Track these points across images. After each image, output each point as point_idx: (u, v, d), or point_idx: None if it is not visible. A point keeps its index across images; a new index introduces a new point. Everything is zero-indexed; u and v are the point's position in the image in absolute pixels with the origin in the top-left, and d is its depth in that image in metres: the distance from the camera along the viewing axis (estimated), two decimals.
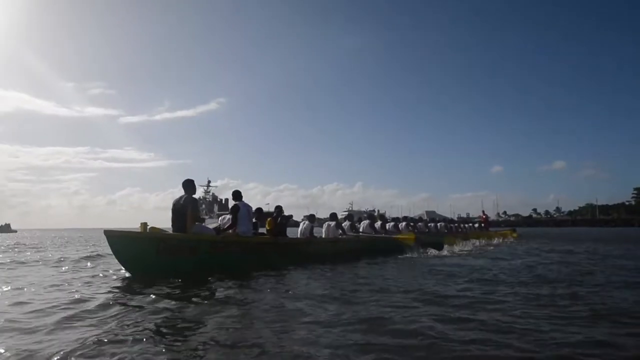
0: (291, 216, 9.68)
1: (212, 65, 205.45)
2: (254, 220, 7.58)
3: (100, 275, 6.13)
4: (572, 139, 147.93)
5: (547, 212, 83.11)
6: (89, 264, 8.00)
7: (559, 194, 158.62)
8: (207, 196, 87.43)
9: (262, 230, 8.28)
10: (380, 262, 7.86)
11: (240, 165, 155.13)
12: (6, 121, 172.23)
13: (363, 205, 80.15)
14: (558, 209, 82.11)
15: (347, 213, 16.01)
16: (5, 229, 50.22)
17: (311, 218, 10.63)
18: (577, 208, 78.86)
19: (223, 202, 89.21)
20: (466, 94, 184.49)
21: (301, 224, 10.50)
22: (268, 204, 73.83)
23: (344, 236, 10.13)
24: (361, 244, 10.00)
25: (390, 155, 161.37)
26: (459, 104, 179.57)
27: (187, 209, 6.25)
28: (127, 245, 5.74)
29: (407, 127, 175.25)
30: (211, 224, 8.11)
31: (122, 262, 5.87)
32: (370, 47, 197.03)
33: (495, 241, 16.68)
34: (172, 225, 6.35)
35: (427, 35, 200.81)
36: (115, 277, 5.91)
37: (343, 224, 10.88)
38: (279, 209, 8.46)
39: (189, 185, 6.43)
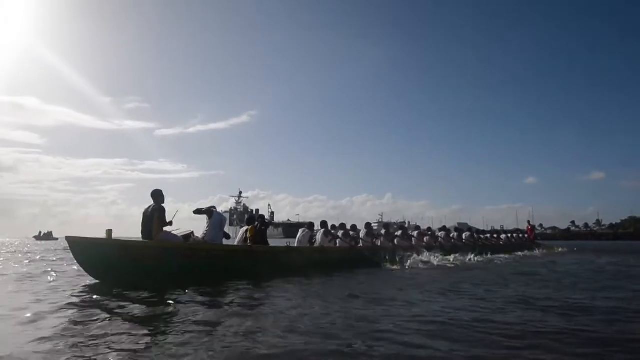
0: (269, 224, 9.70)
1: (244, 78, 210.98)
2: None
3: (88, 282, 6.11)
4: (611, 148, 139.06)
5: (586, 225, 78.89)
6: None
7: (599, 206, 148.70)
8: (239, 207, 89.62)
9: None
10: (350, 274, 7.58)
11: (271, 176, 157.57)
12: (51, 134, 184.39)
13: (393, 216, 78.92)
14: (598, 222, 77.89)
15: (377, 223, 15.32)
16: (48, 236, 53.23)
17: (310, 226, 10.62)
18: (619, 221, 74.76)
19: (254, 212, 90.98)
20: (497, 104, 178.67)
21: (300, 232, 10.52)
22: (298, 215, 74.70)
23: (333, 245, 9.95)
24: (343, 254, 9.60)
25: (420, 167, 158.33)
26: (490, 115, 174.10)
27: (154, 217, 6.46)
28: (89, 251, 5.91)
29: (437, 138, 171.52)
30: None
31: (86, 268, 6.06)
32: (400, 60, 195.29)
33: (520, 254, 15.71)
34: (141, 233, 6.57)
35: (457, 48, 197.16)
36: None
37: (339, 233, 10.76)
38: (261, 217, 8.58)
39: (157, 195, 6.67)
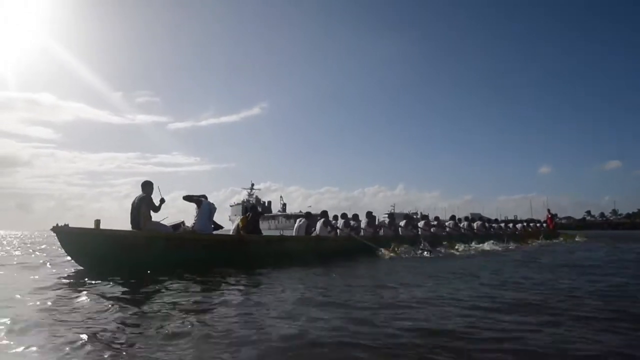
0: (263, 213, 9.65)
1: (255, 70, 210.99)
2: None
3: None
4: (627, 137, 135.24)
5: (602, 215, 77.16)
6: None
7: (615, 195, 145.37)
8: (251, 199, 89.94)
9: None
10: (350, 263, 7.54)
11: (283, 168, 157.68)
12: (66, 129, 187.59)
13: (405, 207, 78.21)
14: (614, 211, 76.18)
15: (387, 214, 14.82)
16: None
17: (308, 215, 10.55)
18: (636, 210, 72.89)
19: (266, 204, 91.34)
20: (510, 94, 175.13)
21: (297, 222, 10.45)
22: (310, 206, 74.66)
23: (333, 235, 9.86)
24: (339, 243, 9.47)
25: (432, 157, 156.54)
26: (502, 105, 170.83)
27: (141, 207, 6.48)
28: (76, 241, 5.95)
29: (449, 128, 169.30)
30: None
31: (74, 258, 6.13)
32: (411, 52, 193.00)
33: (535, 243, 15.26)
34: (130, 223, 6.60)
35: (467, 40, 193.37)
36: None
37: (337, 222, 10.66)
38: (253, 207, 8.53)
39: (146, 185, 6.71)
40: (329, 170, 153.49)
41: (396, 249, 9.26)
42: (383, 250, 8.90)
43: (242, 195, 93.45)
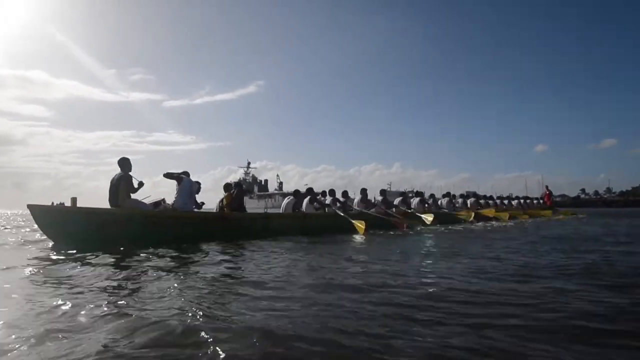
0: (248, 190, 9.47)
1: (250, 48, 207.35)
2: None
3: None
4: (623, 115, 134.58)
5: (596, 193, 77.31)
6: None
7: (610, 173, 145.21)
8: (247, 177, 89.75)
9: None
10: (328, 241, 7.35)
11: (279, 147, 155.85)
12: (59, 107, 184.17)
13: (402, 185, 78.32)
14: (609, 189, 75.90)
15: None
16: None
17: (296, 193, 10.42)
18: (629, 188, 72.97)
19: (263, 183, 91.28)
20: (505, 71, 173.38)
21: (285, 200, 10.33)
22: (306, 184, 74.62)
23: (320, 212, 9.73)
24: (322, 220, 9.31)
25: (429, 136, 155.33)
26: (499, 81, 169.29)
27: (120, 184, 6.31)
28: (53, 219, 5.81)
29: (445, 107, 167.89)
30: (250, 203, 8.15)
31: (50, 236, 5.97)
32: (406, 29, 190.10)
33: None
34: (109, 201, 6.43)
35: (461, 18, 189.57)
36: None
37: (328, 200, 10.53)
38: (238, 184, 8.34)
39: (124, 163, 6.52)
40: (326, 148, 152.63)
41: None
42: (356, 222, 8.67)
43: (239, 174, 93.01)
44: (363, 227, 8.24)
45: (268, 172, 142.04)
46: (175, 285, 3.05)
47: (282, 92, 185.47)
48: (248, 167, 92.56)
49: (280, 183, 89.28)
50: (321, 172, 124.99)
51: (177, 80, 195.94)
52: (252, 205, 64.35)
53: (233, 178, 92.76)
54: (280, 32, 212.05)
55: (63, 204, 5.94)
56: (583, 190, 79.14)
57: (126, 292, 2.89)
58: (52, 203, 5.93)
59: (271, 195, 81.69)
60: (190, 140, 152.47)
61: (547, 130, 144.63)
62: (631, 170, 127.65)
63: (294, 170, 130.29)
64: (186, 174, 7.15)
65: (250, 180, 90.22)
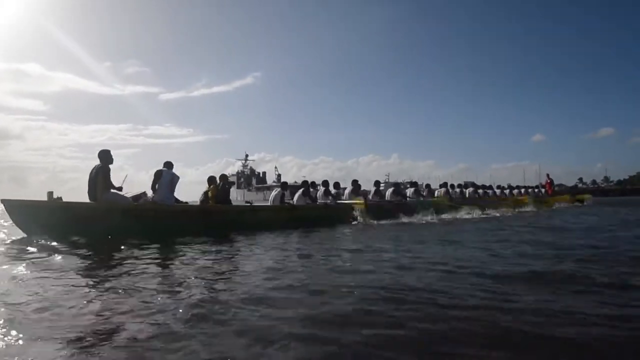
0: (233, 183, 9.29)
1: (246, 39, 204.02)
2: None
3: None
4: (621, 104, 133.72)
5: (594, 182, 77.32)
6: None
7: (607, 162, 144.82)
8: (245, 170, 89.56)
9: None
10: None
11: (277, 139, 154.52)
12: (55, 101, 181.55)
13: (400, 176, 78.07)
14: (606, 179, 76.11)
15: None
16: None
17: (284, 185, 10.32)
18: (627, 177, 73.27)
19: (261, 175, 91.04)
20: (503, 61, 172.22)
21: (273, 192, 10.20)
22: (304, 176, 74.32)
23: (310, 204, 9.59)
24: (311, 212, 9.16)
25: (426, 126, 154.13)
26: (495, 69, 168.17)
27: (98, 177, 6.14)
28: (28, 214, 5.68)
29: (442, 96, 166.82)
30: (249, 195, 8.14)
31: (25, 231, 5.81)
32: (404, 20, 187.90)
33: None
34: (88, 194, 6.27)
35: (460, 8, 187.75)
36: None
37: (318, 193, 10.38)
38: (224, 177, 8.16)
39: (103, 155, 6.35)
40: (323, 140, 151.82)
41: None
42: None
43: (237, 166, 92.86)
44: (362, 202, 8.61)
45: (266, 164, 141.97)
46: (150, 282, 2.96)
47: (280, 84, 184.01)
48: (246, 159, 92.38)
49: (279, 175, 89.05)
50: (319, 163, 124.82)
51: (173, 72, 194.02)
52: (251, 198, 64.19)
53: (231, 170, 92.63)
54: (277, 22, 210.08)
55: (60, 198, 5.84)
56: (581, 179, 79.29)
57: (98, 292, 2.71)
58: (49, 198, 5.85)
59: (269, 188, 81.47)
60: (187, 133, 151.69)
61: (545, 120, 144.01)
62: (629, 159, 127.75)
63: (292, 162, 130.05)
64: (169, 165, 6.96)
65: (249, 172, 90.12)
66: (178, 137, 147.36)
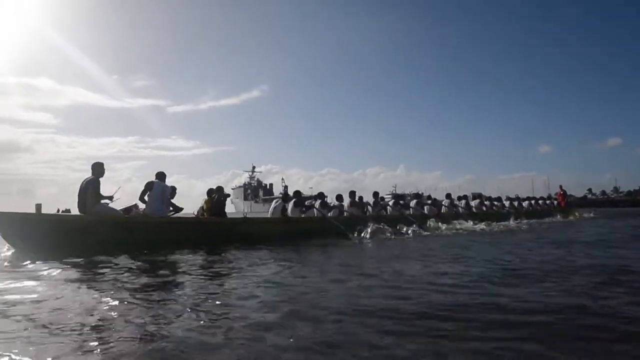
0: (229, 195, 9.21)
1: (253, 52, 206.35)
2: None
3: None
4: (629, 114, 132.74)
5: (603, 192, 76.23)
6: None
7: (616, 173, 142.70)
8: (252, 181, 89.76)
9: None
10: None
11: (284, 150, 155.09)
12: (65, 114, 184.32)
13: (407, 188, 77.65)
14: (616, 189, 74.93)
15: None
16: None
17: (285, 197, 10.25)
18: (637, 188, 71.80)
19: (268, 187, 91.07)
20: (510, 72, 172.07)
21: (273, 203, 10.10)
22: (311, 188, 74.22)
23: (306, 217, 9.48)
24: (307, 225, 8.93)
25: (433, 137, 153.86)
26: (502, 83, 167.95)
27: (88, 190, 6.15)
28: (16, 226, 5.64)
29: (449, 107, 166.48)
30: (255, 207, 8.02)
31: (13, 244, 5.76)
32: (411, 31, 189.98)
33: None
34: (77, 207, 6.28)
35: (467, 18, 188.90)
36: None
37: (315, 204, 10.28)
38: (219, 189, 8.14)
39: (95, 168, 6.39)
40: (330, 152, 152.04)
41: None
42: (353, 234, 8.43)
43: (244, 178, 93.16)
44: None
45: (273, 176, 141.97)
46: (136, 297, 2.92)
47: (286, 96, 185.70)
48: (253, 171, 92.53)
49: (286, 187, 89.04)
50: (325, 175, 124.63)
51: (180, 85, 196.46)
52: (258, 210, 64.15)
53: (238, 182, 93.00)
54: (283, 35, 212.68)
55: (69, 210, 5.84)
56: (590, 190, 78.25)
57: (86, 307, 2.66)
58: (58, 210, 5.86)
59: (277, 199, 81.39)
60: (194, 145, 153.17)
61: (552, 131, 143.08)
62: (638, 169, 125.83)
63: (298, 174, 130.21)
64: (161, 176, 6.94)
65: (255, 184, 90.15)
66: (185, 149, 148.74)
